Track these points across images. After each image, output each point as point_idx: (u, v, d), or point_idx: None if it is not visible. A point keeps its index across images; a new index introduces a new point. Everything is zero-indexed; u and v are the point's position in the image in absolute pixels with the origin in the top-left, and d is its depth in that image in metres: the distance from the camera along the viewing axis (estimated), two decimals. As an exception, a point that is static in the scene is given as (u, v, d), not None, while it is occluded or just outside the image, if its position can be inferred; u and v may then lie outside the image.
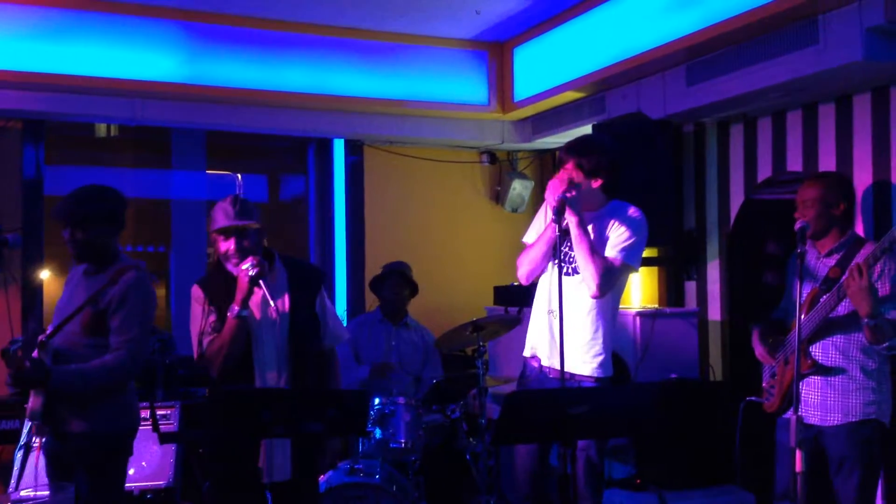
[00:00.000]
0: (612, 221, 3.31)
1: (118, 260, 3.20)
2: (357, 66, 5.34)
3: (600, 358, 3.30)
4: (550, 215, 3.22)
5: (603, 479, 3.42)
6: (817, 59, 3.66)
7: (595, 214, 3.32)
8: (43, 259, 5.15)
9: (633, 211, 3.34)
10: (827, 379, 3.20)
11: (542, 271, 3.39)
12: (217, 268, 3.22)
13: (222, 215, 3.14)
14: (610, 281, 3.23)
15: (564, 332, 3.14)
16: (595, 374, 3.30)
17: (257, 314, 3.13)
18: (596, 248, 3.23)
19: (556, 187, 3.22)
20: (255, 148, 6.38)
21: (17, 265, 5.01)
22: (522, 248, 3.50)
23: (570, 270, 3.32)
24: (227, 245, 3.12)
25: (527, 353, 3.48)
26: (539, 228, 3.43)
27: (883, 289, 3.07)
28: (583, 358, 3.28)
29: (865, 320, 3.00)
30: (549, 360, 3.35)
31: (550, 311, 3.31)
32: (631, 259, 3.29)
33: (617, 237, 3.28)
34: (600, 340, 3.30)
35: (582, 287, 3.26)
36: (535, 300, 3.47)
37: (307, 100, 5.28)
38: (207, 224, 6.38)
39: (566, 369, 3.21)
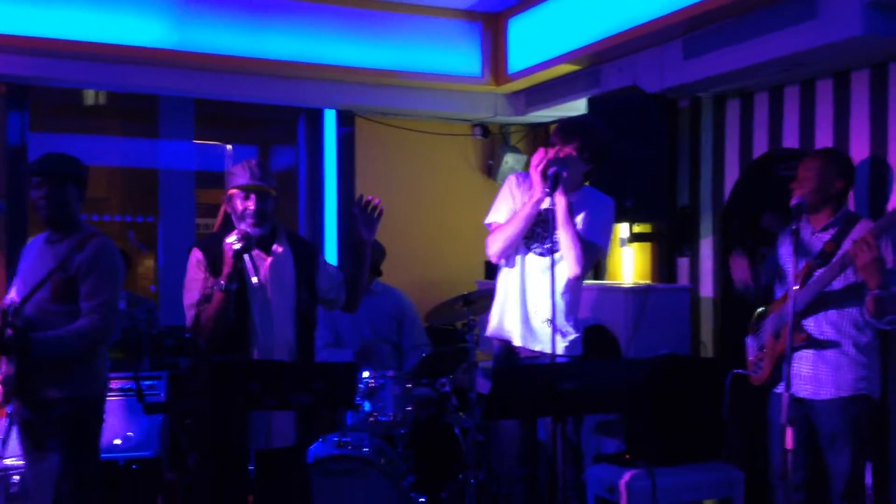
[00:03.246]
0: (588, 205, 3.35)
1: (81, 228, 3.20)
2: (349, 35, 5.26)
3: (573, 336, 3.36)
4: (539, 190, 3.18)
5: (581, 453, 3.45)
6: (816, 33, 3.61)
7: (573, 197, 3.31)
8: (28, 226, 5.08)
9: (605, 198, 3.44)
10: (819, 353, 3.20)
11: (516, 250, 3.37)
12: (223, 232, 3.12)
13: (247, 173, 3.08)
14: (590, 264, 3.33)
15: (536, 313, 3.30)
16: (569, 353, 3.33)
17: (269, 285, 3.08)
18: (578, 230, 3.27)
19: (541, 160, 3.18)
20: (244, 118, 6.30)
21: (2, 232, 4.95)
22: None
23: (543, 250, 3.31)
24: (247, 204, 3.06)
25: (491, 333, 3.47)
26: (509, 208, 3.39)
27: (887, 262, 3.07)
28: (558, 336, 3.29)
29: (876, 291, 3.00)
30: (522, 341, 3.35)
31: (537, 315, 3.31)
32: (606, 244, 3.41)
33: (594, 221, 3.33)
34: (573, 318, 3.37)
35: (557, 267, 3.26)
36: (500, 278, 3.46)
37: (298, 69, 5.20)
38: (197, 194, 6.39)
39: (537, 348, 3.31)
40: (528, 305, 3.33)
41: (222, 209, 3.20)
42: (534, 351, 3.33)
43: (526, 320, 3.33)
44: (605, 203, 3.42)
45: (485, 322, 5.10)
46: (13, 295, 3.17)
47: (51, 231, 3.20)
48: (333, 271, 3.35)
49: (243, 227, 3.06)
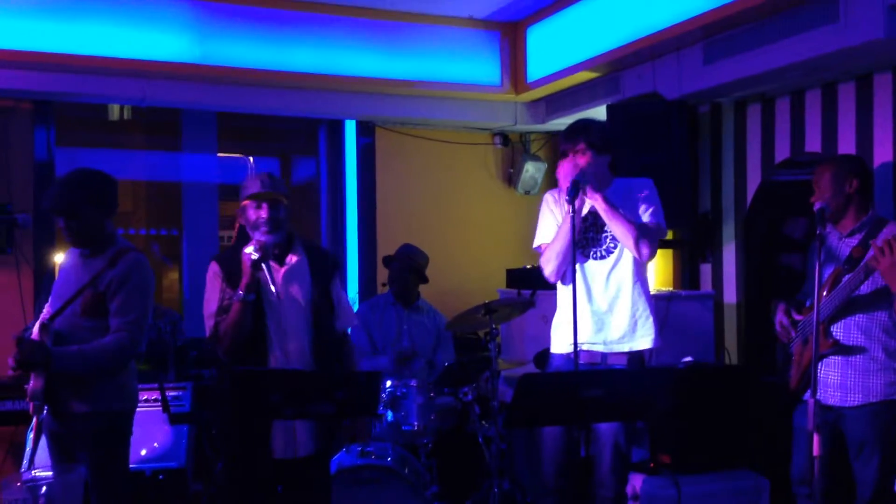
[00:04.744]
0: (626, 195, 3.34)
1: (115, 242, 3.19)
2: (369, 46, 5.29)
3: (654, 328, 3.36)
4: (565, 205, 3.19)
5: (629, 464, 3.41)
6: (838, 36, 3.59)
7: (608, 192, 3.30)
8: (55, 240, 5.15)
9: (641, 180, 3.42)
10: (848, 359, 3.16)
11: (570, 263, 3.35)
12: (238, 244, 3.17)
13: (257, 183, 3.14)
14: (653, 242, 3.30)
15: (612, 314, 3.31)
16: (653, 346, 3.35)
17: (276, 294, 3.09)
18: (628, 216, 3.26)
19: (566, 174, 3.21)
20: (266, 130, 6.34)
21: (29, 246, 5.02)
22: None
23: (601, 253, 3.33)
24: (259, 213, 3.11)
25: (561, 349, 3.43)
26: (550, 227, 3.40)
27: None
28: (640, 332, 3.32)
29: None
30: (604, 347, 3.35)
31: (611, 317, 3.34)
32: (661, 220, 3.37)
33: (639, 205, 3.33)
34: (650, 309, 3.36)
35: (620, 265, 3.30)
36: (562, 293, 3.43)
37: (319, 80, 5.24)
38: (221, 207, 6.45)
39: (618, 349, 3.32)
40: (602, 311, 3.32)
41: (237, 223, 3.25)
42: (617, 352, 3.32)
43: (601, 326, 3.33)
44: (642, 184, 3.41)
45: (508, 332, 5.13)
46: (47, 308, 3.20)
47: (85, 248, 3.22)
48: (350, 311, 3.38)
49: (258, 236, 3.09)
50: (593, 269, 3.33)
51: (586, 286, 3.33)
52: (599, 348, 3.32)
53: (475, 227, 6.04)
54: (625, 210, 3.29)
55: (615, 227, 3.25)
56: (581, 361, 3.32)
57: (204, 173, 6.45)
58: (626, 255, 3.32)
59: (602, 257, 3.33)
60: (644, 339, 3.33)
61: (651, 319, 3.35)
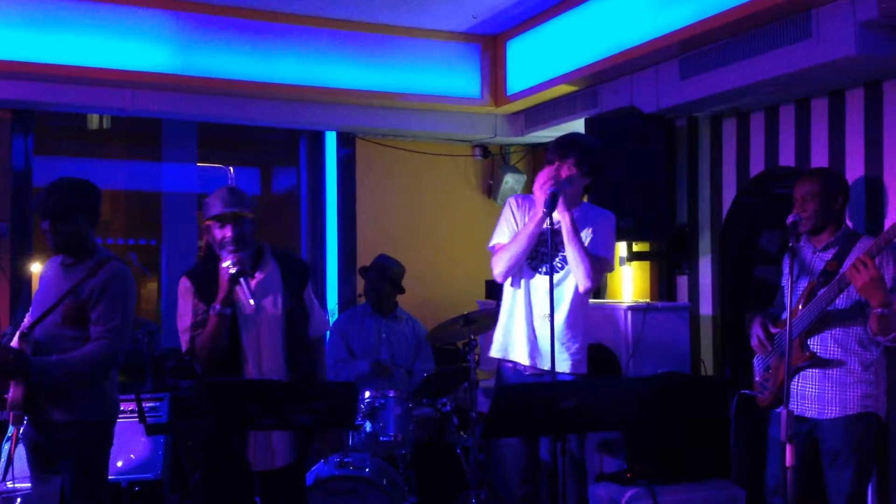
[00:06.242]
0: (590, 220, 3.38)
1: (97, 251, 3.20)
2: (350, 58, 5.32)
3: (579, 356, 3.36)
4: (541, 208, 3.20)
5: (585, 471, 3.44)
6: (811, 53, 3.65)
7: (573, 212, 3.33)
8: (32, 250, 5.12)
9: (606, 213, 3.46)
10: (825, 372, 3.20)
11: (521, 271, 3.38)
12: (207, 260, 3.19)
13: (219, 203, 3.12)
14: (599, 277, 3.32)
15: (543, 332, 3.27)
16: (574, 371, 3.33)
17: (253, 307, 3.08)
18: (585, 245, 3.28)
19: (546, 180, 3.22)
20: (246, 140, 6.35)
21: (6, 256, 4.99)
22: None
23: (546, 270, 3.32)
24: (224, 232, 3.10)
25: (496, 353, 3.46)
26: (511, 229, 3.41)
27: (887, 280, 3.07)
28: (563, 356, 3.30)
29: (879, 310, 2.98)
30: (529, 360, 3.35)
31: (545, 315, 3.29)
32: (612, 256, 3.43)
33: (599, 236, 3.36)
34: (579, 338, 3.36)
35: (562, 287, 3.31)
36: (505, 299, 3.46)
37: (299, 92, 5.25)
38: (200, 217, 6.44)
39: (545, 367, 3.28)
40: (536, 325, 3.34)
41: (205, 239, 3.24)
42: (541, 370, 3.31)
43: (533, 340, 3.34)
44: (607, 217, 3.44)
45: (487, 342, 5.15)
46: (27, 317, 3.19)
47: (65, 255, 3.22)
48: (323, 318, 3.39)
49: (225, 254, 3.09)
50: (536, 283, 3.34)
51: (528, 299, 3.35)
52: (524, 361, 3.35)
53: (455, 238, 6.06)
54: (583, 229, 3.32)
55: (571, 250, 3.25)
56: (512, 370, 3.39)
57: (184, 183, 6.45)
58: (570, 279, 3.33)
59: (547, 273, 3.28)
60: (563, 364, 3.30)
61: (576, 347, 3.34)
